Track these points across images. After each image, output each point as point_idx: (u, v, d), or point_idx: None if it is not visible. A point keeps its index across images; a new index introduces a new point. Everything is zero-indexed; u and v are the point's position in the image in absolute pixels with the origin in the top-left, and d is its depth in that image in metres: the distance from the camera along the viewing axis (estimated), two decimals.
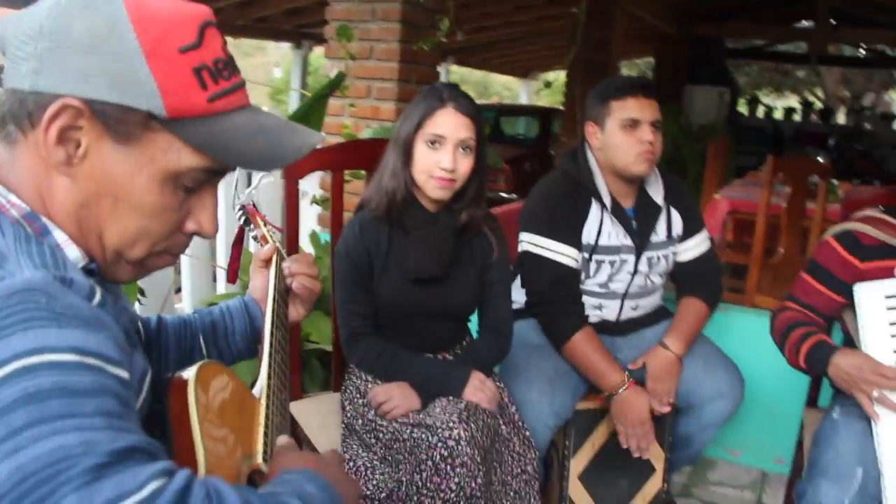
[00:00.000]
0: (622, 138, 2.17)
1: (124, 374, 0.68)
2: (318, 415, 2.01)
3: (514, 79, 16.60)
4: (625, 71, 17.59)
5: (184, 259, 2.94)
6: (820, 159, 6.47)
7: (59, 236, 0.80)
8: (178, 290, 3.05)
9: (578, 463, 2.35)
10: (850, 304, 1.88)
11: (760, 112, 14.58)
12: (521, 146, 10.12)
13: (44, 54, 0.76)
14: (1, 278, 0.68)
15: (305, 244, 2.97)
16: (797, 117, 14.25)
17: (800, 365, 1.92)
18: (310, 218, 3.44)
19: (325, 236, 3.05)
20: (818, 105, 15.91)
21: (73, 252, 0.81)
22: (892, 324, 1.79)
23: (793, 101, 18.37)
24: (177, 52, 0.80)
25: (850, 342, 1.92)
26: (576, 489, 2.36)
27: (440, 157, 1.79)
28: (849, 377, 1.76)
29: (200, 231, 0.90)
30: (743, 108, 14.35)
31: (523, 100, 15.93)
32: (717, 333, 2.50)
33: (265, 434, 0.97)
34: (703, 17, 10.90)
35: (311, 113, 2.54)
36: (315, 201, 3.15)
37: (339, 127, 3.43)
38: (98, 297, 0.74)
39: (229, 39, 0.78)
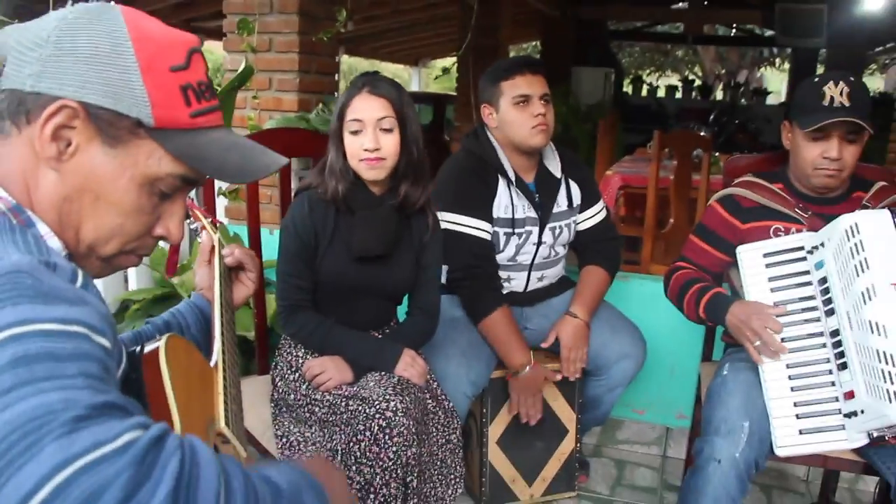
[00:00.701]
0: (516, 114, 2.30)
1: (107, 343, 0.73)
2: (246, 396, 2.06)
3: (405, 67, 16.69)
4: (513, 55, 17.87)
5: None
6: (703, 133, 6.81)
7: (42, 228, 0.87)
8: None
9: (496, 429, 2.48)
10: (735, 263, 2.06)
11: (644, 91, 15.09)
12: None
13: (48, 60, 0.84)
14: None
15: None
16: (679, 95, 14.81)
17: (699, 316, 2.08)
18: (217, 210, 3.45)
19: (234, 228, 3.07)
20: (698, 83, 16.56)
21: (55, 243, 0.87)
22: (770, 279, 1.98)
23: (674, 80, 19.06)
24: (168, 71, 0.89)
25: (737, 297, 2.10)
26: (495, 454, 2.49)
27: (363, 140, 1.87)
28: (742, 323, 1.94)
29: (168, 236, 0.97)
30: (628, 88, 14.81)
31: (415, 87, 16.03)
32: (618, 300, 2.67)
33: (225, 402, 1.05)
34: (585, 0, 11.22)
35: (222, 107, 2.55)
36: (222, 193, 3.17)
37: (244, 119, 3.45)
38: (80, 279, 0.80)
39: None
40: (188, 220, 1.41)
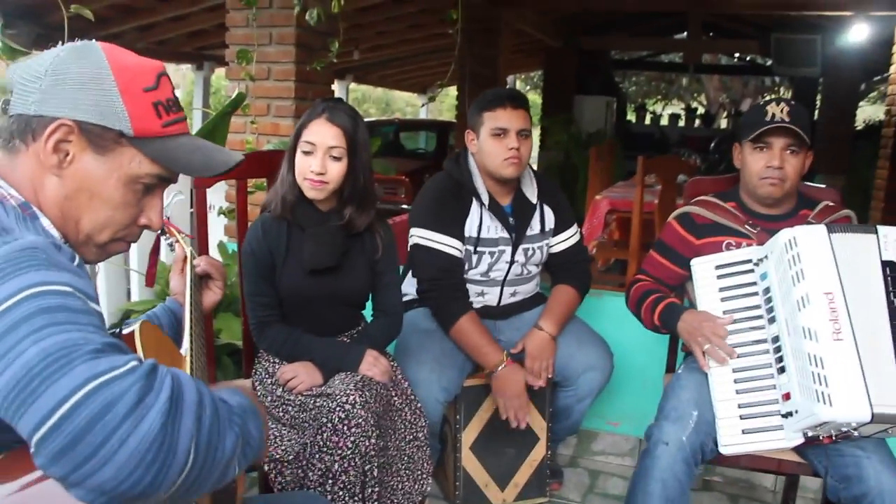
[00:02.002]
0: (492, 145, 2.45)
1: (100, 309, 0.96)
2: None
3: (416, 95, 16.94)
4: (519, 84, 18.12)
5: (100, 266, 3.11)
6: (696, 159, 6.95)
7: (45, 221, 1.08)
8: None
9: (469, 435, 2.62)
10: (691, 276, 2.21)
11: (648, 119, 15.28)
12: (420, 159, 10.35)
13: (47, 88, 1.05)
14: (15, 239, 0.95)
15: (214, 254, 3.15)
16: (682, 123, 14.98)
17: (655, 323, 2.24)
18: (217, 229, 3.63)
19: (233, 246, 3.24)
20: (701, 111, 16.75)
21: (54, 233, 1.08)
22: (721, 289, 2.13)
23: (679, 108, 19.25)
24: (142, 91, 1.10)
25: (694, 308, 2.24)
26: (468, 459, 2.62)
27: (312, 161, 2.03)
28: (692, 329, 2.10)
29: (150, 224, 1.18)
30: (631, 116, 14.99)
31: (423, 114, 16.27)
32: (592, 316, 2.81)
33: None
34: (587, 31, 11.45)
35: (215, 130, 2.73)
36: (221, 212, 3.34)
37: (243, 143, 3.64)
38: (77, 260, 1.01)
39: None
40: (164, 237, 1.60)
